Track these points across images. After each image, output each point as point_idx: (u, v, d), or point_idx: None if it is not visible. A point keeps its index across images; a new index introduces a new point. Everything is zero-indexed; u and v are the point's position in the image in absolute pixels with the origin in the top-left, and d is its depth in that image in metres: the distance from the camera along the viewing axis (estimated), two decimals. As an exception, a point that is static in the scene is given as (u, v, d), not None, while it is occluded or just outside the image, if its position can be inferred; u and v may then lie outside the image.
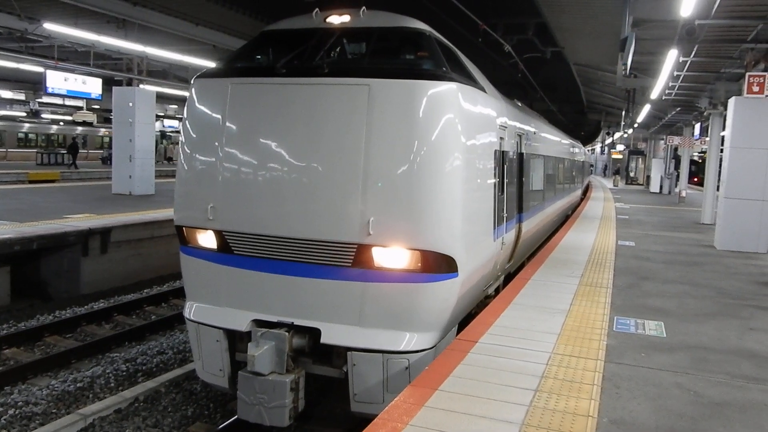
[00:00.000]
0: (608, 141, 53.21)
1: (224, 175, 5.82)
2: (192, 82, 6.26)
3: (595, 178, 52.08)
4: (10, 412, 6.88)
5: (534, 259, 9.83)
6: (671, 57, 11.36)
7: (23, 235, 10.67)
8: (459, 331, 5.99)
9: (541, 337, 5.60)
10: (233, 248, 5.89)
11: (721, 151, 14.42)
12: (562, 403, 4.16)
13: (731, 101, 11.93)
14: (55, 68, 18.86)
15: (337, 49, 6.18)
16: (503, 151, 7.40)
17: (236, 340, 6.07)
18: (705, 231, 14.85)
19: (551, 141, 13.80)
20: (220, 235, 5.92)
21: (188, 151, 6.07)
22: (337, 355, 5.71)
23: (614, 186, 40.47)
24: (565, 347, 5.35)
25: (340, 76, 5.56)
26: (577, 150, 22.93)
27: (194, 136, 6.06)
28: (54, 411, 7.03)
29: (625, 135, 39.99)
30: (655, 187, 33.42)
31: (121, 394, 7.30)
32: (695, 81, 16.24)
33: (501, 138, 7.24)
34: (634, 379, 4.73)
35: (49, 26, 15.02)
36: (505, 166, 7.54)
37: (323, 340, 5.59)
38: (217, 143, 5.87)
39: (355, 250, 5.41)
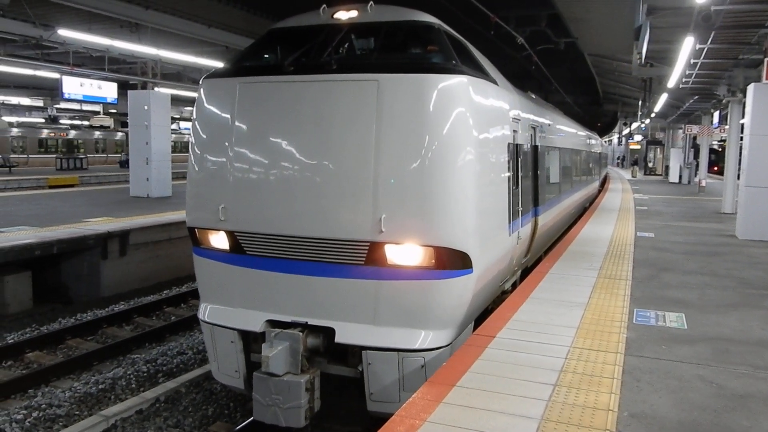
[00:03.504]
0: (626, 131, 52.64)
1: (235, 175, 5.81)
2: (200, 82, 6.25)
3: (613, 170, 51.51)
4: (34, 414, 6.97)
5: (551, 252, 9.72)
6: (687, 44, 11.16)
7: (43, 239, 10.81)
8: (475, 328, 5.93)
9: (559, 331, 5.52)
10: (245, 249, 5.88)
11: (741, 138, 14.15)
12: (582, 397, 4.10)
13: (750, 88, 11.69)
14: (71, 74, 19.09)
15: (345, 45, 6.11)
16: (517, 144, 7.32)
17: (251, 341, 6.06)
18: (726, 220, 14.60)
19: (567, 133, 13.65)
20: (232, 235, 5.91)
21: (198, 152, 6.07)
22: (352, 354, 5.68)
23: (632, 177, 39.96)
24: (584, 341, 5.27)
25: (348, 72, 5.51)
26: (593, 141, 22.68)
27: (204, 137, 6.05)
28: (77, 413, 7.12)
29: (643, 125, 39.48)
30: (674, 177, 32.95)
31: (143, 395, 7.37)
32: (713, 68, 15.92)
33: (514, 131, 7.15)
34: (655, 372, 4.64)
35: (64, 32, 15.18)
36: (519, 160, 7.45)
37: (338, 339, 5.56)
38: (227, 143, 5.85)
39: (367, 247, 5.37)
